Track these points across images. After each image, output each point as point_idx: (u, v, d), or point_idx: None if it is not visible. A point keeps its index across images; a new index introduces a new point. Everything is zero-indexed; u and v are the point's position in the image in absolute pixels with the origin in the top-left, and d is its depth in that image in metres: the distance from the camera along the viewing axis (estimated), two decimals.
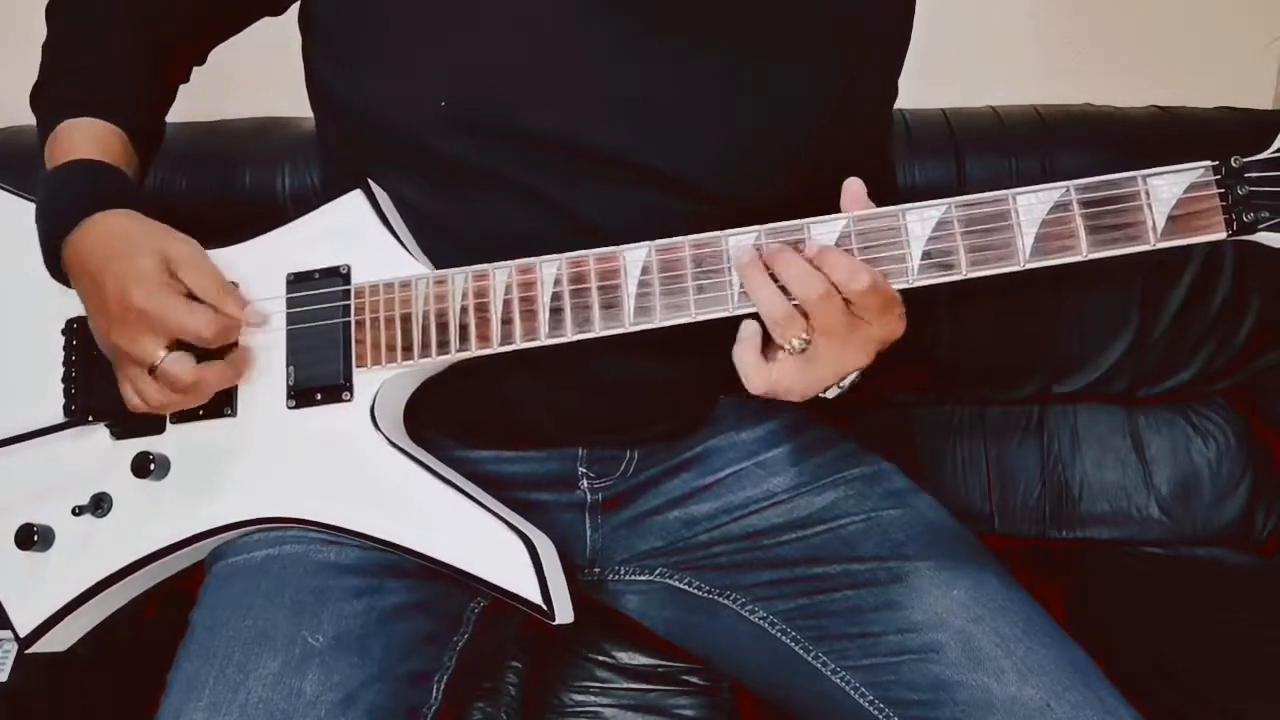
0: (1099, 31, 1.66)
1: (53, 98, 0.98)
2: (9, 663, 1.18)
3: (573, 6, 0.90)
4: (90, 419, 0.96)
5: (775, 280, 0.80)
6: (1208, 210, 0.77)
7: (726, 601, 1.00)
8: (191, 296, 0.88)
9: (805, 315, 0.79)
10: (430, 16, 0.91)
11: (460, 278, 0.88)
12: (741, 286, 0.82)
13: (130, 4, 1.00)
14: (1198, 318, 1.45)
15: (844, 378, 0.83)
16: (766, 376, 0.81)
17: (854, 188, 0.82)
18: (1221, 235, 0.77)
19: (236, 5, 1.04)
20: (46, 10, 1.03)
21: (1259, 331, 1.45)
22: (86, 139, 0.94)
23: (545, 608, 0.86)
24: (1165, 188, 0.78)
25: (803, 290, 0.78)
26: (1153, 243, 0.78)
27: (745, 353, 0.82)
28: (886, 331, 0.81)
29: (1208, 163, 0.77)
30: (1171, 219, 0.77)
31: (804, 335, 0.79)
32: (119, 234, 0.89)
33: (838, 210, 0.82)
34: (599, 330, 0.85)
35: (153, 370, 0.86)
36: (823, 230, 0.81)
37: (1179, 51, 1.65)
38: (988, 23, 1.67)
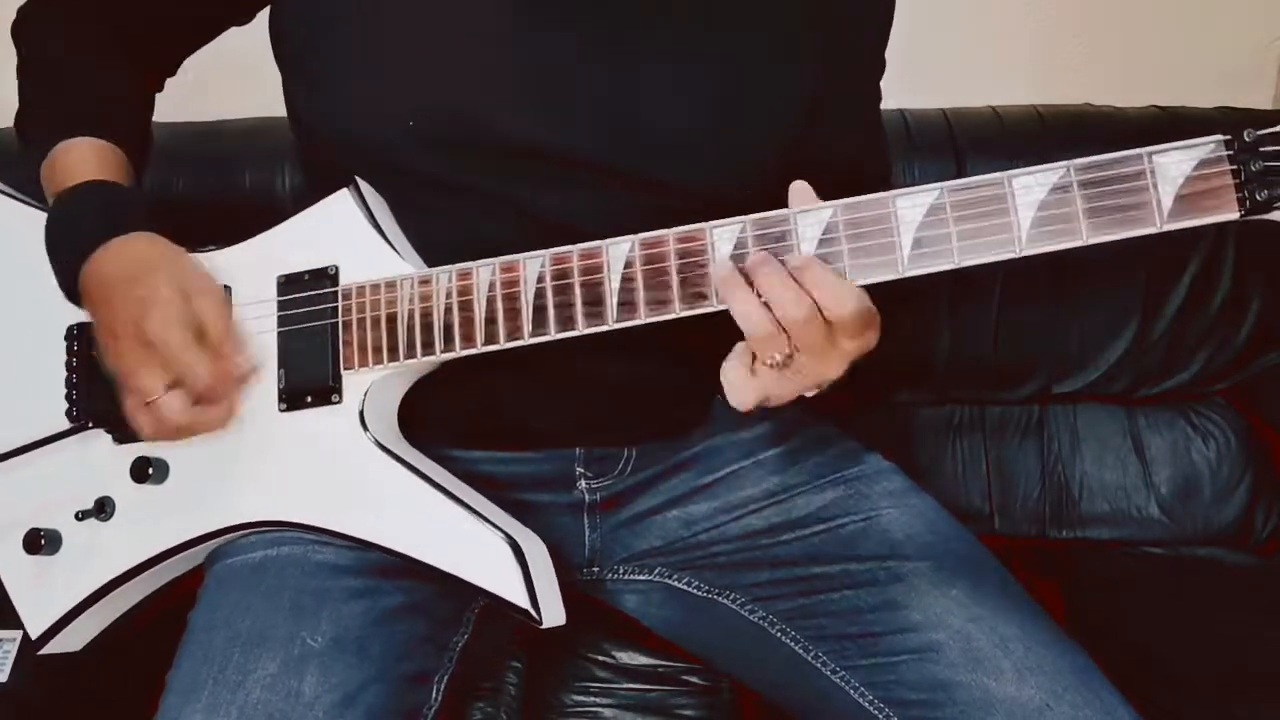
0: (1099, 31, 1.66)
1: (42, 120, 0.98)
2: (9, 663, 1.18)
3: (532, 13, 0.89)
4: (91, 424, 0.96)
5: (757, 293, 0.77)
6: (1219, 189, 0.71)
7: (725, 601, 1.00)
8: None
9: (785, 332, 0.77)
10: (391, 36, 0.90)
11: (445, 276, 0.87)
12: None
13: (99, 21, 1.00)
14: (1198, 318, 1.45)
15: (821, 385, 0.82)
16: (754, 390, 0.80)
17: (798, 188, 0.79)
18: (1234, 215, 0.71)
19: (202, 18, 1.04)
20: (12, 32, 1.02)
21: (1259, 331, 1.45)
22: (90, 159, 0.94)
23: (532, 612, 0.85)
24: (1172, 165, 0.72)
25: (786, 312, 0.75)
26: (1159, 224, 0.72)
27: (734, 369, 0.80)
28: (864, 346, 0.80)
29: (1219, 137, 0.72)
30: (1180, 198, 0.72)
31: (785, 351, 0.77)
32: (140, 258, 0.89)
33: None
34: (582, 328, 0.83)
35: (149, 404, 0.86)
36: (809, 221, 0.78)
37: (1179, 51, 1.65)
38: (988, 23, 1.67)
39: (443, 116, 0.89)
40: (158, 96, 1.09)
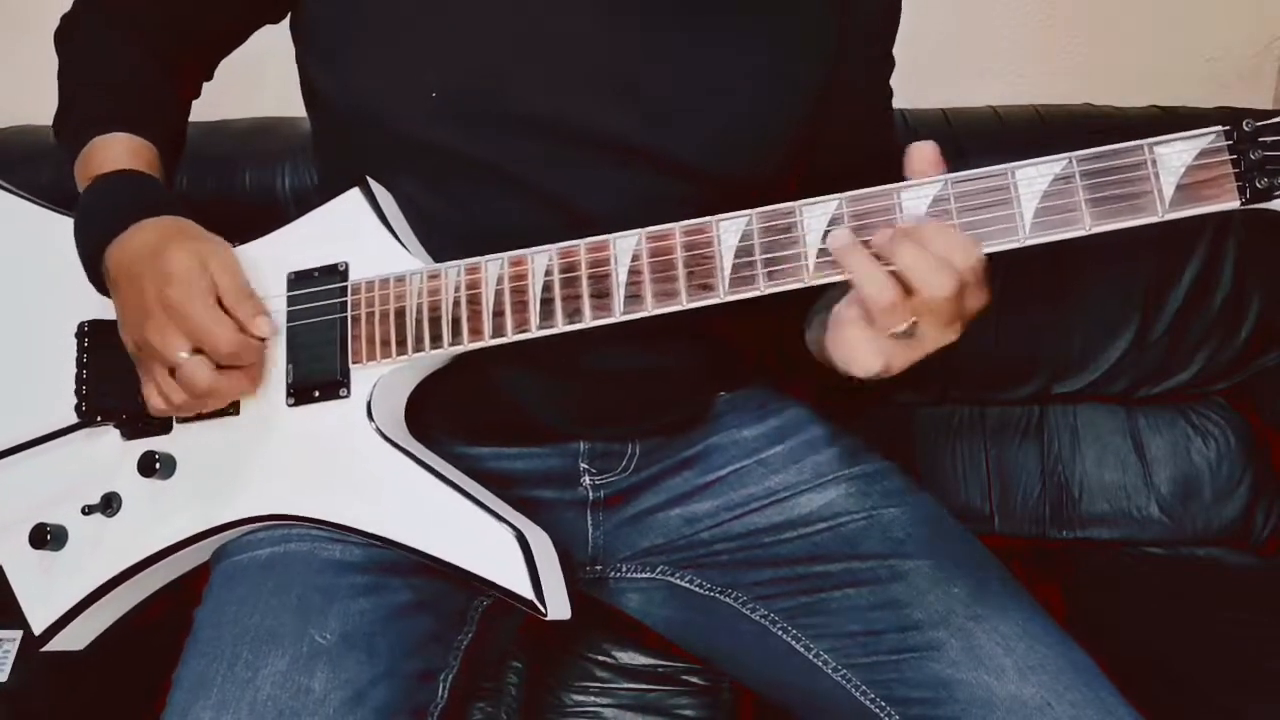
0: (1099, 31, 1.66)
1: (78, 117, 0.98)
2: (9, 662, 1.18)
3: None
4: (99, 420, 0.96)
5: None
6: (1219, 178, 0.73)
7: (727, 599, 1.00)
8: (219, 303, 0.88)
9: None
10: (416, 8, 0.90)
11: (453, 271, 0.88)
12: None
13: (137, 25, 1.00)
14: (1198, 318, 1.45)
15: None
16: (879, 355, 0.76)
17: (926, 150, 0.77)
18: (1235, 204, 0.73)
19: (238, 17, 1.04)
20: (55, 38, 1.03)
21: (1259, 331, 1.46)
22: (122, 151, 0.95)
23: (537, 603, 0.85)
24: (1173, 155, 0.73)
25: (927, 281, 0.72)
26: (1161, 214, 0.73)
27: (857, 335, 0.76)
28: (980, 304, 0.78)
29: (1219, 128, 0.73)
30: (1181, 188, 0.73)
31: (910, 319, 0.75)
32: (164, 235, 0.89)
33: (831, 192, 0.79)
34: (589, 321, 0.84)
35: (174, 370, 0.87)
36: (814, 213, 0.79)
37: (1179, 52, 1.65)
38: (988, 23, 1.67)
39: (465, 87, 0.90)
40: None
